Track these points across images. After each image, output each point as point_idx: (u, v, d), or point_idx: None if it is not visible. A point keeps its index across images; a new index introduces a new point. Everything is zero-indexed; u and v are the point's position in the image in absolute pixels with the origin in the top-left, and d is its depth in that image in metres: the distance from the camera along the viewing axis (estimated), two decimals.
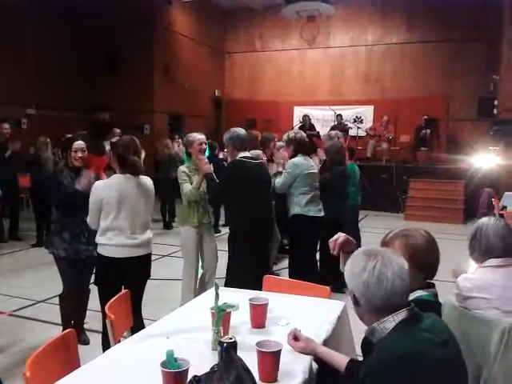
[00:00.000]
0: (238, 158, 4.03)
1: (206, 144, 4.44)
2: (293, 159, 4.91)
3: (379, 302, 1.57)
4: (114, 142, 3.52)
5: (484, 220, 2.50)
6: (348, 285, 1.65)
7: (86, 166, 3.82)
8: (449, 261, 2.49)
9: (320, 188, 5.02)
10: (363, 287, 1.58)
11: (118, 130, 9.35)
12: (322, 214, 4.92)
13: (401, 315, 1.57)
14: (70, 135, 3.95)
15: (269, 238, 4.47)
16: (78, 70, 12.46)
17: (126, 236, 3.28)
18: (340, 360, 1.95)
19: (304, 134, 5.10)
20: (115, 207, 3.24)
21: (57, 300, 4.14)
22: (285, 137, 5.09)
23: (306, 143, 5.04)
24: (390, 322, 1.58)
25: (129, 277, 3.29)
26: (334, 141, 5.89)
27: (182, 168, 4.39)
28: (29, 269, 6.24)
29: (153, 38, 13.22)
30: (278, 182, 4.87)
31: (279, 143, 6.01)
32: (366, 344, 1.71)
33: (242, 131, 4.12)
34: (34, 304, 5.02)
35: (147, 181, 3.47)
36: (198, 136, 4.41)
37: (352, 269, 1.62)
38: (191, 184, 4.26)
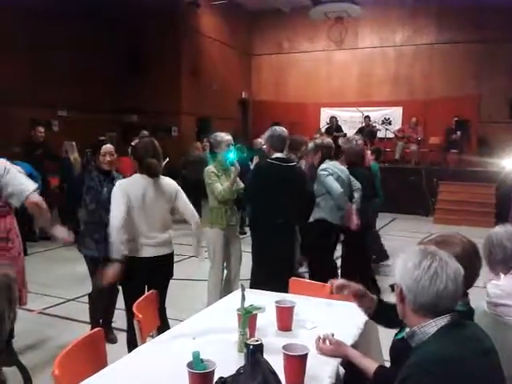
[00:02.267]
0: (269, 159, 4.04)
1: (232, 145, 4.42)
2: (321, 166, 4.78)
3: (427, 301, 1.54)
4: (133, 145, 3.58)
5: (491, 233, 2.44)
6: (397, 278, 1.62)
7: (117, 170, 3.88)
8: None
9: None
10: (414, 282, 1.55)
11: (145, 132, 9.45)
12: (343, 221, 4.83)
13: (443, 321, 1.55)
14: (102, 137, 4.03)
15: (293, 241, 4.43)
16: (108, 72, 12.65)
17: (144, 235, 3.30)
18: (369, 365, 1.93)
19: (330, 140, 5.07)
20: (134, 206, 3.28)
21: (86, 299, 4.21)
22: (311, 144, 5.06)
23: (333, 148, 4.98)
24: (432, 327, 1.55)
25: (151, 277, 3.31)
26: (353, 143, 5.82)
27: (211, 168, 4.36)
28: (59, 268, 6.36)
29: (180, 40, 13.33)
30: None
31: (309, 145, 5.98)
32: (399, 347, 1.69)
33: (283, 131, 4.10)
34: (63, 302, 5.12)
35: (168, 181, 3.47)
36: (226, 137, 4.39)
37: (405, 262, 1.60)
38: (221, 184, 4.27)
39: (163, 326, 3.02)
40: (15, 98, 9.82)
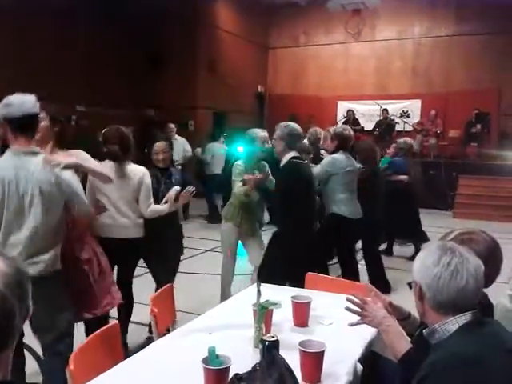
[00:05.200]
0: (290, 158, 3.83)
1: (268, 143, 4.25)
2: (332, 155, 4.74)
3: (446, 298, 1.51)
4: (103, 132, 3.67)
5: None
6: (416, 276, 1.59)
7: None
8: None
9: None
10: (433, 280, 1.52)
11: (172, 125, 9.43)
12: (359, 215, 4.75)
13: (464, 318, 1.51)
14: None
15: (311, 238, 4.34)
16: (126, 67, 12.69)
17: (109, 217, 3.45)
18: (404, 344, 1.77)
19: (352, 133, 4.90)
20: (99, 189, 3.44)
21: None
22: (331, 130, 4.98)
23: (352, 141, 4.85)
24: (453, 325, 1.52)
25: (116, 256, 3.41)
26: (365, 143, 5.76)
27: (239, 163, 4.27)
28: None
29: (197, 34, 13.32)
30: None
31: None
32: (418, 344, 1.65)
33: (299, 128, 3.91)
34: None
35: (135, 170, 3.53)
36: (261, 133, 4.26)
37: (424, 260, 1.56)
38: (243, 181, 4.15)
39: (127, 303, 3.49)
40: (34, 92, 9.93)
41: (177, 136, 9.32)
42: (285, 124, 3.90)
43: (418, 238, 6.84)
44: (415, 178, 6.72)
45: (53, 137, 2.97)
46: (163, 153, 3.85)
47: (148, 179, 3.57)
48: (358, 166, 4.93)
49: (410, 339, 1.83)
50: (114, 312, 3.46)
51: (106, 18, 11.57)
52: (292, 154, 3.83)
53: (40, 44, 10.32)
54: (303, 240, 3.83)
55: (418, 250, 6.58)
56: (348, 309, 1.93)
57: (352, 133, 4.88)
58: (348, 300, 1.94)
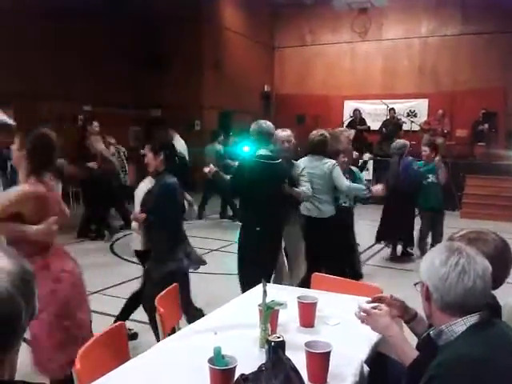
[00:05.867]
0: (256, 157, 3.84)
1: (289, 142, 4.23)
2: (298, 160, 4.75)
3: (454, 299, 1.49)
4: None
5: None
6: (423, 276, 1.58)
7: None
8: None
9: None
10: (440, 281, 1.51)
11: (173, 131, 9.27)
12: (327, 215, 4.65)
13: (472, 319, 1.50)
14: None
15: (276, 240, 4.15)
16: (132, 68, 12.74)
17: None
18: (409, 352, 1.78)
19: (322, 137, 4.72)
20: None
21: (109, 291, 4.27)
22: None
23: (319, 145, 4.69)
24: (461, 326, 1.50)
25: None
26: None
27: None
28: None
29: (203, 35, 13.32)
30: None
31: None
32: (425, 345, 1.64)
33: (271, 126, 3.92)
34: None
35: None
36: (281, 133, 4.24)
37: (432, 260, 1.55)
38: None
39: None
40: (42, 93, 10.00)
41: (178, 137, 9.09)
42: (256, 122, 3.98)
43: (403, 239, 6.76)
44: (401, 179, 6.54)
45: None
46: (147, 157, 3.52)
47: (139, 192, 3.69)
48: (329, 167, 4.70)
49: (418, 341, 1.82)
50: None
51: (112, 18, 11.60)
52: (261, 151, 3.88)
53: (43, 45, 10.36)
54: (258, 238, 3.78)
55: (403, 252, 6.69)
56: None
57: (321, 138, 4.70)
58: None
